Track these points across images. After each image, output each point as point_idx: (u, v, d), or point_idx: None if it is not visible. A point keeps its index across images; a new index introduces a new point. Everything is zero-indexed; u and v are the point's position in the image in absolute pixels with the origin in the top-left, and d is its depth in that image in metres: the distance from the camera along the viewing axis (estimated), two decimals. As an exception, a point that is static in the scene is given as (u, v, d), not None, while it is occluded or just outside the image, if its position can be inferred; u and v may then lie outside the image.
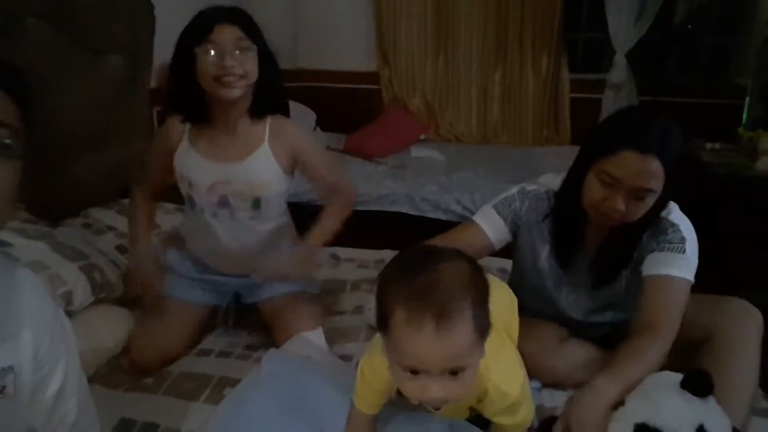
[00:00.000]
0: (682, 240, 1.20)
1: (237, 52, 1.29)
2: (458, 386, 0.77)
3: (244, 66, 1.31)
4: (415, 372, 0.76)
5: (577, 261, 1.32)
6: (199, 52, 1.29)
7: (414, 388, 0.78)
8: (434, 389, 0.76)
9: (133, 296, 1.57)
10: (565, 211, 1.28)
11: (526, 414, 0.94)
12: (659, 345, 1.12)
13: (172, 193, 1.54)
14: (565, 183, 1.29)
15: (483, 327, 0.78)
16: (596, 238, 1.29)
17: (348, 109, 3.64)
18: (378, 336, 0.95)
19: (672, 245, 1.19)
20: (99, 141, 1.94)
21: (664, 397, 0.98)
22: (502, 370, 0.90)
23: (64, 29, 1.78)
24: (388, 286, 0.79)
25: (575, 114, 3.47)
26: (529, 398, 0.95)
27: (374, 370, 0.94)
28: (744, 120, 2.96)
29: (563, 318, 1.38)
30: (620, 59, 3.29)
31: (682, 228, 1.21)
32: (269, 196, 1.44)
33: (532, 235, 1.34)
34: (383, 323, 0.79)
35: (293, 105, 3.52)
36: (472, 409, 1.01)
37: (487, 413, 0.94)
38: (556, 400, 1.26)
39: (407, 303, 0.74)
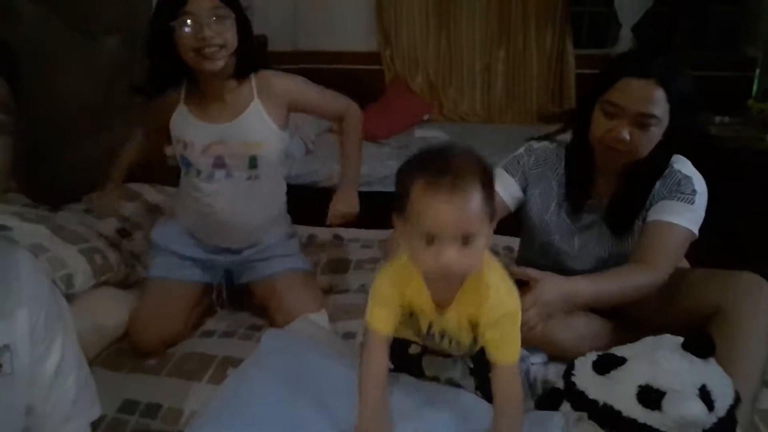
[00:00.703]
0: (693, 192, 1.22)
1: (214, 20, 1.28)
2: (469, 255, 0.86)
3: (223, 35, 1.30)
4: (431, 242, 0.85)
5: (589, 212, 1.32)
6: (176, 24, 1.27)
7: (430, 257, 0.86)
8: (448, 254, 0.84)
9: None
10: (575, 152, 1.30)
11: (512, 329, 0.95)
12: (647, 275, 1.16)
13: (171, 176, 1.53)
14: (574, 126, 1.30)
15: (489, 206, 0.88)
16: (607, 188, 1.30)
17: (350, 90, 3.55)
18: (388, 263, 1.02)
19: (683, 195, 1.22)
20: (98, 124, 1.92)
21: (666, 359, 0.99)
22: (502, 280, 0.97)
23: (58, 12, 1.76)
24: (405, 173, 0.90)
25: (581, 90, 3.40)
26: (518, 323, 0.96)
27: (390, 280, 0.99)
28: (754, 91, 2.91)
29: (571, 275, 1.37)
30: (626, 33, 3.24)
31: (694, 180, 1.23)
32: (265, 154, 1.44)
33: (540, 187, 1.36)
34: (402, 204, 0.89)
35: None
36: (472, 342, 1.01)
37: (483, 326, 0.96)
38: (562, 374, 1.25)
39: (424, 177, 0.86)
